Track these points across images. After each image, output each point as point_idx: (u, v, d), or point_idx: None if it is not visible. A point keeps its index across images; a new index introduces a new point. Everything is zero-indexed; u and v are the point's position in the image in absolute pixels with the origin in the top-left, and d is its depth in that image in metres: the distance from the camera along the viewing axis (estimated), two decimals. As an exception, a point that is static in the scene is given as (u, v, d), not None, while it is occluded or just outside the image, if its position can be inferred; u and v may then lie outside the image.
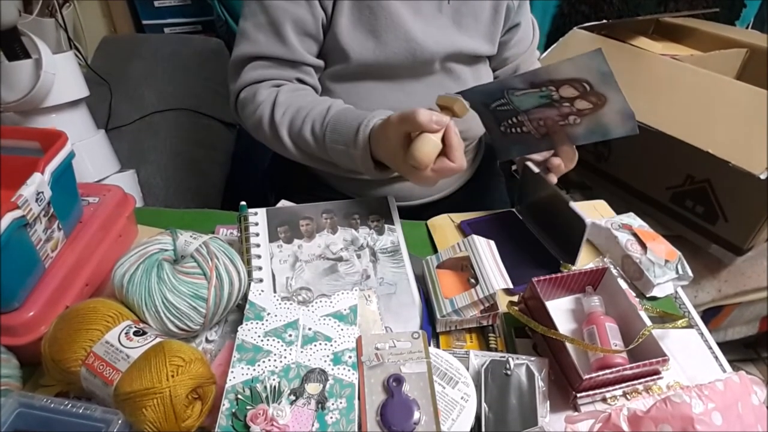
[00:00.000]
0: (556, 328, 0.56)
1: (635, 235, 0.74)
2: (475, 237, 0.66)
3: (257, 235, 0.68)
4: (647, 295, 0.71)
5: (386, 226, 0.72)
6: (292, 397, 0.49)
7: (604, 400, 0.57)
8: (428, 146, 0.62)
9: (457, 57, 0.85)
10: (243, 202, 0.70)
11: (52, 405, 0.46)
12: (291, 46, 0.77)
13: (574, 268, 0.70)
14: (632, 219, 0.78)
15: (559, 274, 0.64)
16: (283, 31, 0.76)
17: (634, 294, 0.70)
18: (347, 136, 0.71)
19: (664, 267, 0.70)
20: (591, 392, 0.55)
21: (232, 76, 0.81)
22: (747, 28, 1.78)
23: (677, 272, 0.71)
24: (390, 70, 0.82)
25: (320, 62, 0.82)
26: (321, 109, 0.74)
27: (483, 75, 0.91)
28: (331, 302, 0.59)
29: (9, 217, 0.50)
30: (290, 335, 0.55)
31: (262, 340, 0.54)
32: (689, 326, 0.67)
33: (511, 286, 0.62)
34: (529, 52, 0.97)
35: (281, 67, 0.78)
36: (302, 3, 0.75)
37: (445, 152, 0.64)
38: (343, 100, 0.79)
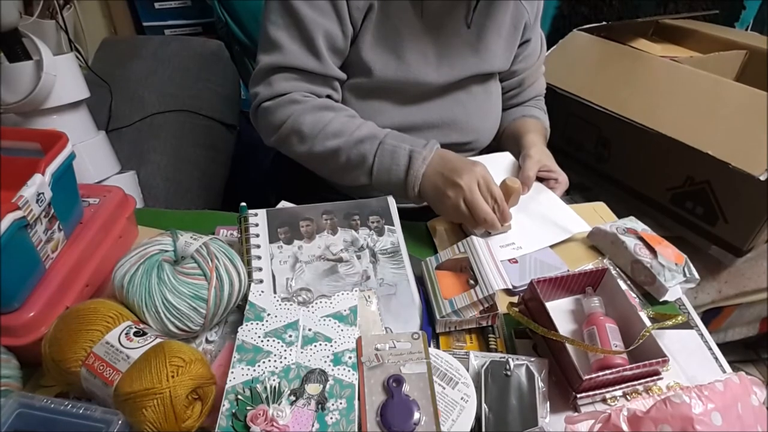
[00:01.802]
0: (556, 329, 0.56)
1: (641, 239, 0.73)
2: (474, 238, 0.66)
3: (257, 236, 0.68)
4: (660, 300, 0.70)
5: (386, 227, 0.72)
6: (292, 398, 0.49)
7: (604, 400, 0.57)
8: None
9: (474, 78, 0.88)
10: (243, 203, 0.70)
11: (52, 405, 0.46)
12: (324, 61, 0.77)
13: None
14: (634, 223, 0.78)
15: (558, 275, 0.64)
16: (317, 45, 0.76)
17: (638, 297, 0.70)
18: (413, 141, 0.76)
19: (674, 270, 0.70)
20: (591, 393, 0.55)
21: (258, 82, 0.80)
22: (746, 29, 1.79)
23: (684, 275, 0.70)
24: (409, 87, 0.83)
25: (345, 76, 0.83)
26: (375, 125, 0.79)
27: (493, 90, 0.94)
28: (331, 303, 0.59)
29: (9, 218, 0.50)
30: (290, 336, 0.55)
31: (262, 341, 0.54)
32: (687, 324, 0.67)
33: (510, 286, 0.62)
34: (535, 67, 0.99)
35: (313, 81, 0.79)
36: (334, 18, 0.76)
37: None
38: (357, 110, 0.81)
